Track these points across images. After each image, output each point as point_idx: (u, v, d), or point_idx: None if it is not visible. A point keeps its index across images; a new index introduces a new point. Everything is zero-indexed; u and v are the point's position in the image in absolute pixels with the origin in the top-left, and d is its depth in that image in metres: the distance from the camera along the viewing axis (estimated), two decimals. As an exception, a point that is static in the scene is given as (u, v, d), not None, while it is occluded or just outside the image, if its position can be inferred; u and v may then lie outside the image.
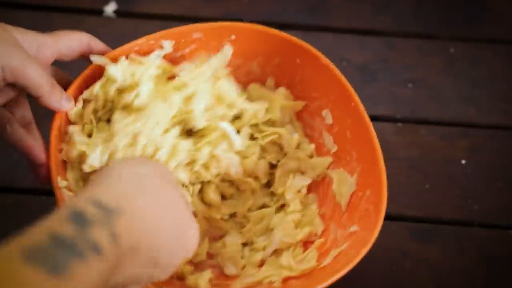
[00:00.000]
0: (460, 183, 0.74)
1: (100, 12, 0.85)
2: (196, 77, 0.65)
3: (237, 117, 0.68)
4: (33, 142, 0.59)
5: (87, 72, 0.63)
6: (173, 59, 0.68)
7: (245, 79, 0.70)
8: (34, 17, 0.85)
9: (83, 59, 0.62)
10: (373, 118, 0.63)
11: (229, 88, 0.67)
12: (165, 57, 0.67)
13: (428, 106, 0.79)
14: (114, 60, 0.63)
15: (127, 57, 0.63)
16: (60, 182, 0.58)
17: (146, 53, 0.66)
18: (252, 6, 0.87)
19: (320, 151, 0.67)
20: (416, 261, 0.69)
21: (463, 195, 0.73)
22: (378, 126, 0.63)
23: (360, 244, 0.57)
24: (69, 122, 0.62)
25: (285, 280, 0.60)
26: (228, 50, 0.67)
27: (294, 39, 0.67)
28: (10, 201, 0.71)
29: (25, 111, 0.60)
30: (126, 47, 0.65)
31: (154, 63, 0.64)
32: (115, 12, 0.86)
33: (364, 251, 0.56)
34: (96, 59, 0.62)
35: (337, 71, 0.65)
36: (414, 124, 0.78)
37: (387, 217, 0.70)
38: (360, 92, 0.64)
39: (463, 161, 0.75)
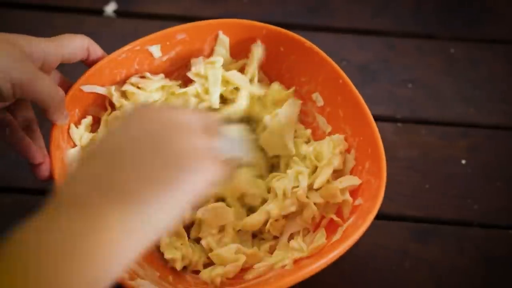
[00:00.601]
0: (460, 183, 0.74)
1: (100, 12, 0.85)
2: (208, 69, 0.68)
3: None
4: (30, 143, 0.60)
5: (80, 82, 0.64)
6: (160, 64, 0.69)
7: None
8: (34, 17, 0.85)
9: (82, 62, 0.63)
10: (373, 118, 0.63)
11: (239, 76, 0.68)
12: (153, 63, 0.68)
13: (428, 106, 0.79)
14: (101, 71, 0.64)
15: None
16: None
17: (133, 59, 0.67)
18: (252, 6, 0.87)
19: (315, 134, 0.69)
20: (416, 261, 0.69)
21: (463, 195, 0.73)
22: (378, 126, 0.63)
23: (365, 214, 0.58)
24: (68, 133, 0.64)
25: (297, 261, 0.60)
26: (224, 38, 0.69)
27: (275, 28, 0.68)
28: (9, 201, 0.71)
29: (27, 113, 0.61)
30: (113, 55, 0.65)
31: (155, 86, 0.66)
32: (115, 12, 0.86)
33: (370, 218, 0.57)
34: (88, 89, 0.65)
35: (321, 53, 0.66)
36: (414, 124, 0.78)
37: (387, 217, 0.71)
38: (360, 92, 0.65)
39: (463, 161, 0.75)
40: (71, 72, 0.64)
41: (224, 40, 0.69)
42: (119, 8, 0.86)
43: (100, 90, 0.66)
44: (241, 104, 0.67)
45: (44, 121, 0.61)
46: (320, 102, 0.68)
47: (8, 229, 0.69)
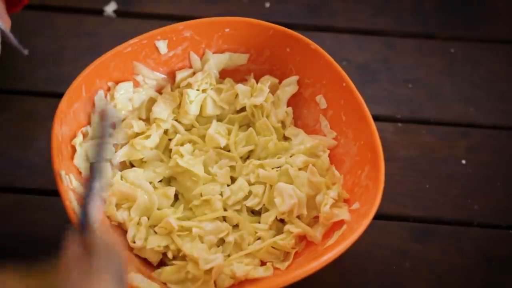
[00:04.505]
0: (460, 183, 0.74)
1: (100, 12, 0.85)
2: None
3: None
4: None
5: (84, 74, 0.64)
6: (167, 60, 0.69)
7: (241, 77, 0.71)
8: (34, 17, 0.85)
9: None
10: (373, 118, 0.63)
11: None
12: (159, 58, 0.68)
13: (428, 106, 0.79)
14: (106, 64, 0.65)
15: None
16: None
17: (139, 53, 0.67)
18: (252, 6, 0.87)
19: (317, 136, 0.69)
20: (416, 261, 0.69)
21: (463, 195, 0.73)
22: (378, 126, 0.63)
23: (361, 218, 0.58)
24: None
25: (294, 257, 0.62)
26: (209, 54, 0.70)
27: (282, 28, 0.68)
28: (10, 201, 0.71)
29: None
30: (119, 48, 0.65)
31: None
32: (115, 12, 0.86)
33: (366, 222, 0.57)
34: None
35: (326, 55, 0.66)
36: (414, 124, 0.78)
37: (387, 217, 0.71)
38: (360, 92, 0.65)
39: (463, 161, 0.75)
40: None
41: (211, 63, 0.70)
42: (119, 8, 0.86)
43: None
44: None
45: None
46: (324, 105, 0.68)
47: (8, 228, 0.69)
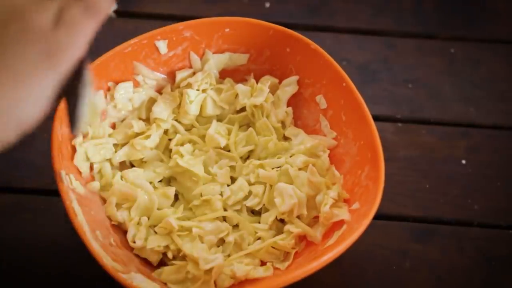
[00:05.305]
0: (460, 183, 0.74)
1: (100, 12, 0.85)
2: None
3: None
4: None
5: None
6: (167, 60, 0.69)
7: (241, 77, 0.71)
8: (34, 17, 0.84)
9: None
10: (373, 118, 0.63)
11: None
12: (159, 58, 0.68)
13: (428, 106, 0.79)
14: (106, 64, 0.66)
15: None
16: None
17: (139, 53, 0.67)
18: (252, 6, 0.87)
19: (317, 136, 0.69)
20: (416, 261, 0.69)
21: (463, 195, 0.73)
22: (378, 126, 0.63)
23: (361, 218, 0.58)
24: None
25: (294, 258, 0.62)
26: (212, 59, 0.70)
27: (282, 28, 0.68)
28: (10, 201, 0.71)
29: None
30: (119, 48, 0.66)
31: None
32: (115, 12, 0.86)
33: (366, 222, 0.57)
34: None
35: (326, 55, 0.66)
36: (414, 124, 0.78)
37: (387, 217, 0.71)
38: (360, 92, 0.65)
39: (463, 161, 0.75)
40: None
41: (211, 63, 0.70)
42: (119, 8, 0.85)
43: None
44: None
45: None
46: (324, 105, 0.68)
47: (8, 229, 0.69)
